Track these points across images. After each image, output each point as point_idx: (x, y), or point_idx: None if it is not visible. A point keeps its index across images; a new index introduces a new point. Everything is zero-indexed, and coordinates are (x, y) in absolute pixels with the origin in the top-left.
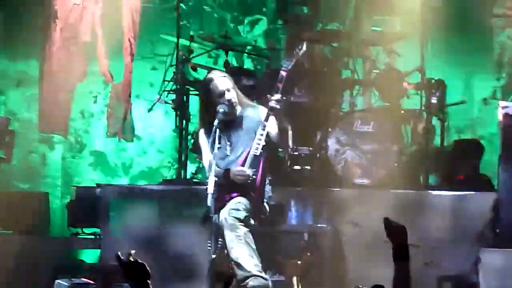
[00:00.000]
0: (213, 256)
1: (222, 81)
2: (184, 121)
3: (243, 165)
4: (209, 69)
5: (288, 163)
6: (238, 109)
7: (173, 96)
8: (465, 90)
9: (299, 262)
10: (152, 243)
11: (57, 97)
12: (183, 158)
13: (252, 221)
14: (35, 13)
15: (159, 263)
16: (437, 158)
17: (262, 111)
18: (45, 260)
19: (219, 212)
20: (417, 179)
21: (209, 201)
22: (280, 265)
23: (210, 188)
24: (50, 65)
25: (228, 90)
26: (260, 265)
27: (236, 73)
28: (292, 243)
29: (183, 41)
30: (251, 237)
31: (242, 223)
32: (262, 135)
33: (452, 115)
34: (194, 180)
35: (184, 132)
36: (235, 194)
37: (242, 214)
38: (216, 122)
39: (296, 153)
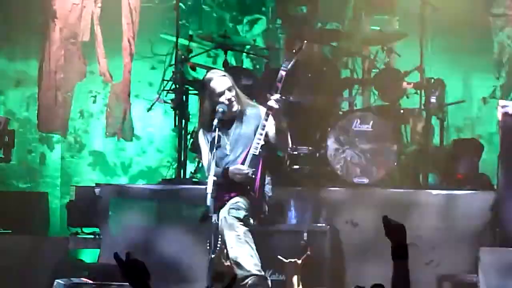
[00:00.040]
0: (212, 255)
1: (221, 81)
2: (183, 121)
3: (242, 164)
4: (208, 69)
5: (288, 163)
6: (238, 108)
7: (172, 96)
8: (465, 89)
9: (298, 262)
10: (151, 242)
11: (57, 97)
12: (182, 158)
13: (251, 221)
14: (35, 13)
15: (158, 263)
16: (436, 157)
17: (262, 110)
18: (44, 260)
19: (219, 211)
20: (417, 178)
21: (209, 200)
22: (280, 264)
23: (210, 187)
24: (49, 65)
25: (228, 90)
26: (260, 264)
27: (235, 72)
28: (292, 242)
29: (182, 41)
30: (250, 236)
31: (241, 223)
32: (261, 134)
33: (452, 115)
34: (194, 179)
35: (183, 132)
36: (234, 194)
37: (241, 214)
38: (215, 121)
39: (296, 152)
